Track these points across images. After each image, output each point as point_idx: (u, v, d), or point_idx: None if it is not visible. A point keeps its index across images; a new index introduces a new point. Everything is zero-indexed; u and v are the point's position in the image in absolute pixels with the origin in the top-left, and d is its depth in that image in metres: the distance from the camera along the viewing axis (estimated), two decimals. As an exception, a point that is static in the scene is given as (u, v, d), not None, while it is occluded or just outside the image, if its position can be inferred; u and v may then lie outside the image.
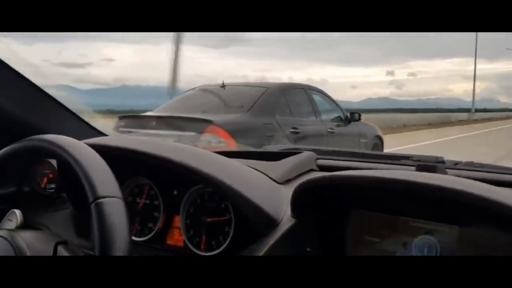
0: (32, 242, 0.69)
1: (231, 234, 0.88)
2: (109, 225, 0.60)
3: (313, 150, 1.19)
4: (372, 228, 0.79)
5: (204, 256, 0.90)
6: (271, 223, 0.81)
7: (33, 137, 0.74)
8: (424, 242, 0.74)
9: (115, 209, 0.62)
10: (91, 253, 0.74)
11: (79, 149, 0.68)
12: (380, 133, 6.16)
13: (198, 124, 3.81)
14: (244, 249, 0.81)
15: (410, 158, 1.08)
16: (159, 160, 0.86)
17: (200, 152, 0.91)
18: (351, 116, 5.47)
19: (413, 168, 0.88)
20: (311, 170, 1.08)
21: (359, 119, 5.54)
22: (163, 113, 4.55)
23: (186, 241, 0.94)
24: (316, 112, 5.06)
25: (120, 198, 0.64)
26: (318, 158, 1.13)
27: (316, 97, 5.27)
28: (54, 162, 1.08)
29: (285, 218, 0.82)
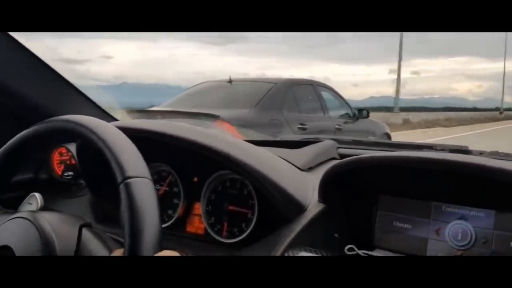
0: (56, 224, 0.67)
1: (254, 221, 0.86)
2: (139, 204, 0.57)
3: (332, 139, 1.17)
4: (402, 214, 0.77)
5: (226, 243, 0.88)
6: (298, 208, 0.79)
7: (58, 117, 0.72)
8: (458, 228, 0.72)
9: (145, 189, 0.60)
10: (116, 237, 0.73)
11: (107, 129, 0.66)
12: (388, 130, 6.14)
13: (205, 119, 3.75)
14: (269, 236, 0.79)
15: (434, 147, 1.06)
16: (188, 143, 0.83)
17: (227, 138, 0.89)
18: (359, 113, 5.43)
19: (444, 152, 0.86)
20: (333, 158, 1.06)
21: (368, 116, 5.51)
22: (169, 108, 4.51)
23: (207, 228, 0.92)
24: (324, 108, 5.00)
25: (149, 179, 0.62)
26: (339, 147, 1.12)
27: (324, 93, 5.21)
28: (72, 148, 1.06)
29: (312, 204, 0.80)
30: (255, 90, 4.48)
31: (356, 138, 1.23)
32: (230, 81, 4.69)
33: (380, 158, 0.70)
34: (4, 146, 0.74)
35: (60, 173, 1.07)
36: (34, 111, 1.01)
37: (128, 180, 0.60)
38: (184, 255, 0.72)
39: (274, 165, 0.85)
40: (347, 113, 5.41)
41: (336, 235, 0.78)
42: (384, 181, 0.78)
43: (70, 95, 1.08)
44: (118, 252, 0.60)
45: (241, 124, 3.83)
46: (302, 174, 0.92)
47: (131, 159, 0.63)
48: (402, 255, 0.76)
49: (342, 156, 1.09)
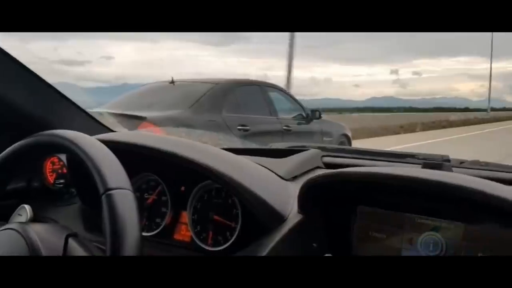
0: (44, 234, 0.70)
1: (237, 230, 0.89)
2: (120, 215, 0.60)
3: (319, 147, 1.20)
4: (378, 224, 0.80)
5: (211, 251, 0.91)
6: (278, 218, 0.82)
7: (44, 132, 0.75)
8: (429, 239, 0.75)
9: (125, 200, 0.63)
10: (101, 246, 0.76)
11: (89, 143, 0.70)
12: (347, 132, 6.18)
13: (134, 121, 3.69)
14: (251, 245, 0.82)
15: (416, 157, 1.09)
16: (168, 155, 0.87)
17: (208, 148, 0.92)
18: (312, 114, 5.48)
19: (419, 166, 0.89)
20: (317, 167, 1.09)
21: (320, 117, 5.57)
22: (106, 109, 4.26)
23: (193, 236, 0.95)
24: (271, 109, 5.00)
25: (130, 190, 0.65)
26: (324, 156, 1.14)
27: (274, 95, 5.25)
28: (63, 157, 1.09)
29: (292, 214, 0.83)
30: (194, 91, 4.47)
31: (341, 147, 1.26)
32: (172, 81, 4.69)
33: (356, 173, 0.73)
34: None
35: (52, 181, 1.10)
36: (29, 121, 1.04)
37: (110, 192, 0.63)
38: None
39: (255, 175, 0.88)
40: (300, 114, 5.44)
41: (314, 244, 0.81)
42: (362, 193, 0.81)
43: (63, 105, 1.12)
44: None
45: (173, 125, 3.79)
46: (284, 183, 0.94)
47: (112, 171, 0.66)
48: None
49: (327, 165, 1.12)
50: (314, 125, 5.46)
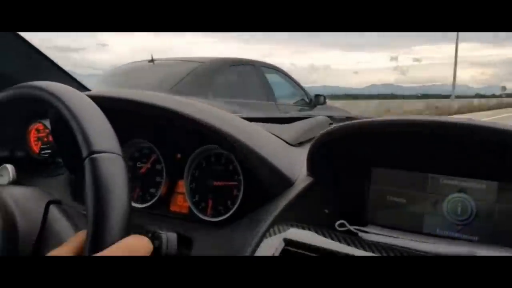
0: (21, 199, 0.62)
1: (240, 198, 0.81)
2: (105, 183, 0.50)
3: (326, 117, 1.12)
4: (396, 187, 0.72)
5: (211, 221, 0.83)
6: (285, 183, 0.73)
7: (22, 84, 0.65)
8: (457, 201, 0.67)
9: (113, 165, 0.52)
10: (85, 213, 0.67)
11: (74, 97, 0.59)
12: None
13: None
14: (255, 211, 0.74)
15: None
16: (171, 114, 0.77)
17: (211, 109, 0.83)
18: (315, 99, 4.85)
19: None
20: (325, 134, 1.01)
21: (324, 102, 4.94)
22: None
23: (191, 206, 0.87)
24: (268, 93, 4.30)
25: (119, 155, 0.55)
26: (331, 123, 1.06)
27: (272, 77, 4.52)
28: (49, 124, 1.01)
29: (300, 179, 0.75)
30: (176, 71, 3.79)
31: (350, 115, 1.17)
32: (152, 60, 4.03)
33: (377, 123, 0.64)
34: None
35: (37, 150, 1.02)
36: (5, 81, 0.95)
37: (94, 156, 0.52)
38: (159, 233, 0.66)
39: (261, 139, 0.80)
40: (302, 99, 4.84)
41: (326, 210, 0.73)
42: (377, 152, 0.72)
43: (41, 64, 1.02)
44: (83, 233, 0.54)
45: None
46: (291, 148, 0.86)
47: (99, 132, 0.56)
48: (397, 232, 0.70)
49: (335, 132, 1.03)
50: (317, 111, 4.66)
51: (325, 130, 0.68)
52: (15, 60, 0.97)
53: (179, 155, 0.91)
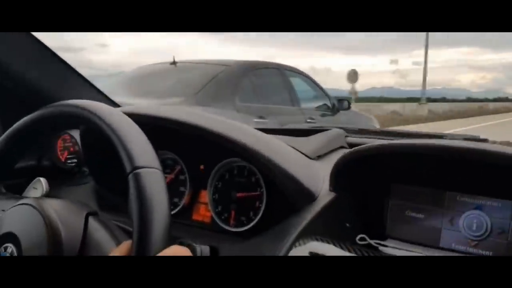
0: (62, 212, 0.65)
1: (262, 209, 0.85)
2: (148, 196, 0.55)
3: (339, 128, 1.15)
4: (415, 203, 0.75)
5: (233, 231, 0.87)
6: (309, 197, 0.77)
7: (65, 101, 0.69)
8: (473, 218, 0.70)
9: (154, 180, 0.57)
10: (121, 225, 0.71)
11: (116, 116, 0.64)
12: (376, 124, 5.36)
13: None
14: (279, 225, 0.77)
15: (444, 137, 1.04)
16: (197, 130, 0.81)
17: (235, 124, 0.87)
18: (339, 103, 4.59)
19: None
20: (342, 147, 1.04)
21: (349, 107, 4.70)
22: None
23: (214, 216, 0.91)
24: (293, 98, 4.11)
25: (159, 170, 0.60)
26: (347, 136, 1.10)
27: (296, 80, 4.35)
28: (76, 135, 1.04)
29: (323, 192, 0.78)
30: (200, 74, 3.56)
31: (363, 127, 1.21)
32: (174, 62, 3.78)
33: (398, 145, 0.68)
34: (10, 129, 0.72)
35: (63, 160, 1.05)
36: (38, 96, 0.99)
37: (138, 171, 0.57)
38: (193, 245, 0.70)
39: (284, 152, 0.83)
40: (325, 104, 4.58)
41: (347, 224, 0.76)
42: (397, 169, 0.76)
43: (73, 81, 1.06)
44: (127, 244, 0.58)
45: None
46: (311, 162, 0.90)
47: (140, 148, 0.60)
48: (415, 246, 0.74)
49: (350, 145, 1.07)
50: (342, 117, 4.53)
51: (351, 150, 0.72)
52: (48, 78, 1.01)
53: (202, 166, 0.95)
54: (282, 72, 4.16)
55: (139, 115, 0.83)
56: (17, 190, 0.85)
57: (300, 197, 0.77)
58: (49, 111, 0.69)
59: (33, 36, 0.97)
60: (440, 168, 0.72)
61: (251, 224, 0.85)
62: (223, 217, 0.90)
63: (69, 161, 1.05)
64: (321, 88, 4.63)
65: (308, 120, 4.03)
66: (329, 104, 4.59)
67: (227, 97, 3.41)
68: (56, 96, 1.02)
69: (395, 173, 0.76)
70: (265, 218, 0.84)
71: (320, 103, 4.59)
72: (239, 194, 0.89)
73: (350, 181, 0.77)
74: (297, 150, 0.93)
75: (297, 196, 0.77)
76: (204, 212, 0.94)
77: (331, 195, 0.77)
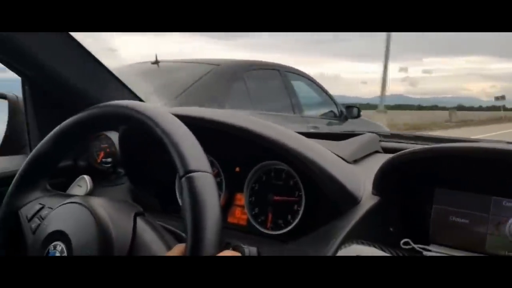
0: (111, 212, 0.65)
1: (301, 213, 0.85)
2: (202, 200, 0.56)
3: (372, 132, 1.15)
4: (459, 208, 0.75)
5: (271, 234, 0.87)
6: (352, 200, 0.76)
7: (117, 102, 0.69)
8: (520, 224, 0.70)
9: (207, 184, 0.58)
10: (165, 225, 0.71)
11: (169, 119, 0.64)
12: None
13: None
14: (320, 228, 0.77)
15: (481, 142, 1.03)
16: (239, 131, 0.81)
17: (276, 126, 0.87)
18: (347, 111, 4.08)
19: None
20: (376, 151, 1.04)
21: (359, 115, 4.14)
22: None
23: (251, 219, 0.91)
24: (294, 104, 3.62)
25: (211, 173, 0.60)
26: (381, 140, 1.09)
27: (298, 84, 3.87)
28: (112, 135, 1.05)
29: (365, 196, 0.78)
30: (185, 75, 3.06)
31: (396, 132, 1.20)
32: (156, 62, 3.25)
33: (447, 149, 0.68)
34: (57, 128, 0.72)
35: (99, 160, 1.06)
36: (76, 97, 1.00)
37: (191, 174, 0.58)
38: (242, 247, 0.71)
39: (326, 155, 0.83)
40: (331, 111, 4.10)
41: (391, 228, 0.76)
42: (441, 174, 0.75)
43: (110, 82, 1.07)
44: (180, 247, 0.58)
45: None
46: (349, 166, 0.90)
47: (193, 152, 0.61)
48: (459, 251, 0.74)
49: (385, 149, 1.07)
50: (349, 126, 3.98)
51: (397, 153, 0.72)
52: (86, 79, 1.02)
53: (238, 169, 0.95)
54: (283, 74, 3.66)
55: (180, 116, 0.83)
56: (58, 188, 0.86)
57: (344, 200, 0.77)
58: (100, 111, 0.70)
59: (73, 37, 0.98)
60: (486, 173, 0.71)
61: (289, 227, 0.85)
62: (259, 220, 0.90)
63: (104, 162, 1.06)
64: (327, 94, 4.16)
65: (312, 130, 3.29)
66: (336, 112, 4.12)
67: (214, 101, 2.87)
68: (93, 98, 1.04)
69: (439, 177, 0.76)
70: (304, 222, 0.83)
71: (326, 110, 4.12)
72: (276, 197, 0.89)
73: (394, 185, 0.76)
74: (335, 153, 0.93)
75: (340, 200, 0.77)
76: (239, 214, 0.94)
77: (375, 198, 0.77)
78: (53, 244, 0.64)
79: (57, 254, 0.63)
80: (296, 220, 0.85)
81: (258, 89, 3.42)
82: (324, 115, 4.07)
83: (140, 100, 1.18)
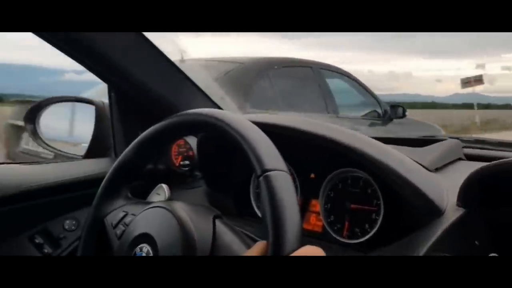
0: (192, 214, 0.68)
1: (379, 222, 0.82)
2: (280, 199, 0.56)
3: (454, 138, 1.10)
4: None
5: (348, 243, 0.85)
6: (436, 211, 0.73)
7: (195, 110, 0.72)
8: None
9: (285, 182, 0.59)
10: (241, 230, 0.72)
11: (246, 124, 0.66)
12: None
13: None
14: (403, 239, 0.74)
15: None
16: (316, 138, 0.81)
17: (354, 133, 0.86)
18: (391, 111, 3.83)
19: None
20: (459, 159, 0.99)
21: (404, 115, 3.90)
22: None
23: (326, 226, 0.90)
24: (329, 103, 3.37)
25: (287, 172, 0.61)
26: (464, 147, 1.04)
27: (335, 82, 3.64)
28: (190, 140, 1.09)
29: (449, 207, 0.74)
30: (209, 73, 2.90)
31: (479, 137, 1.14)
32: (182, 60, 3.20)
33: None
34: (141, 135, 0.76)
35: (177, 164, 1.10)
36: (158, 104, 1.04)
37: (268, 173, 0.59)
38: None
39: (407, 164, 0.80)
40: (374, 111, 3.86)
41: (476, 242, 0.72)
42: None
43: (190, 90, 1.11)
44: (261, 245, 0.59)
45: None
46: (431, 174, 0.86)
47: (269, 152, 0.62)
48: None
49: (468, 156, 1.01)
50: (395, 127, 3.75)
51: (490, 164, 0.68)
52: (167, 85, 1.07)
53: (313, 175, 0.95)
54: (317, 72, 3.41)
55: (256, 122, 0.85)
56: (138, 195, 0.90)
57: (426, 211, 0.74)
58: (180, 120, 0.72)
59: (153, 44, 1.03)
60: None
61: (367, 237, 0.83)
62: (335, 228, 0.89)
63: (182, 165, 1.10)
64: (370, 92, 3.89)
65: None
66: (379, 111, 3.86)
67: (236, 102, 2.68)
68: (170, 103, 1.08)
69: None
70: (382, 231, 0.81)
71: (368, 110, 3.89)
72: (353, 205, 0.87)
73: (480, 197, 0.72)
74: (415, 161, 0.89)
75: (422, 211, 0.74)
76: (314, 221, 0.94)
77: (460, 210, 0.73)
78: (139, 246, 0.68)
79: (144, 255, 0.66)
80: (374, 230, 0.83)
81: (287, 87, 3.27)
82: (366, 115, 3.87)
83: (214, 103, 1.21)
